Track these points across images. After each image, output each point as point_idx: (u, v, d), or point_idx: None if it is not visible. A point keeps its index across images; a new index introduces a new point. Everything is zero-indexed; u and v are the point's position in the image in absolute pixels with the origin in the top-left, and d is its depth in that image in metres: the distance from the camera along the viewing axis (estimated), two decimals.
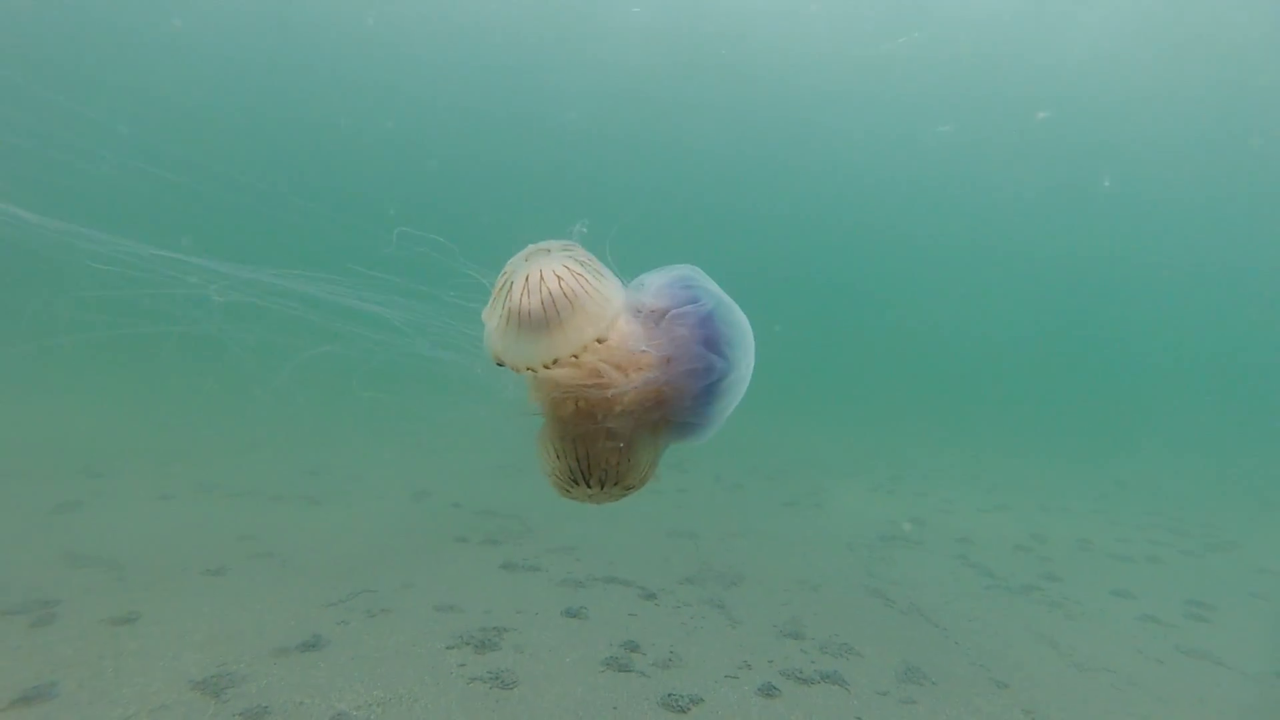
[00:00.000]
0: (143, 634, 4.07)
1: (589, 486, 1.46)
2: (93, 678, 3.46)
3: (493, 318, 1.34)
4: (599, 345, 1.34)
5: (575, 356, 1.31)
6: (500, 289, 1.33)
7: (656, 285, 1.53)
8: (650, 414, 1.43)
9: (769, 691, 4.05)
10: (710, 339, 1.43)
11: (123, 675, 3.52)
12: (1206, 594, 6.95)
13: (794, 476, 11.68)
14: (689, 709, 3.79)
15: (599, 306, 1.33)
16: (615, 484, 1.47)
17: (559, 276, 1.29)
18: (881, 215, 39.99)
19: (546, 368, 1.31)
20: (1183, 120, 24.95)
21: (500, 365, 1.37)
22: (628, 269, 1.53)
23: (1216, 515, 11.68)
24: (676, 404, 1.44)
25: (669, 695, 3.90)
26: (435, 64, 30.09)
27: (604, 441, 1.41)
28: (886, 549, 7.87)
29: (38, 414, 11.70)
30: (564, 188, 39.81)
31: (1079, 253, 38.47)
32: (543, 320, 1.26)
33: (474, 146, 37.19)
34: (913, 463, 14.87)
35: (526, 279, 1.28)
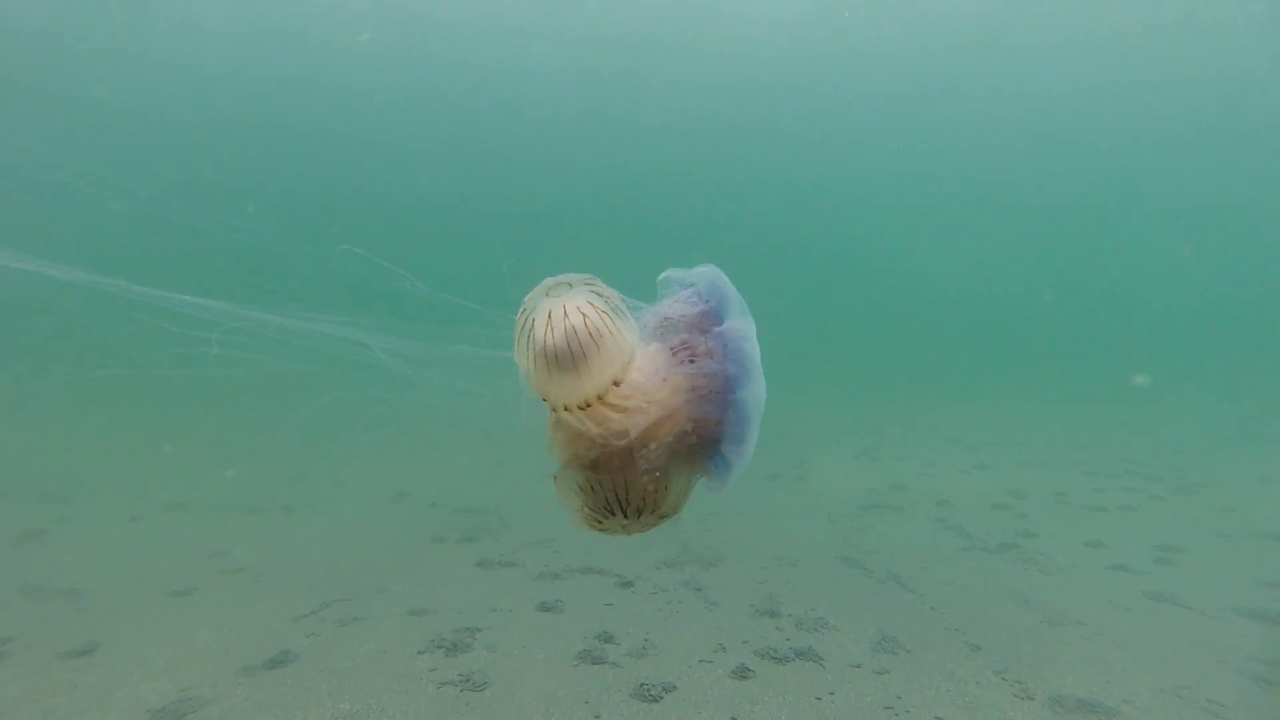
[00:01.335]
0: (101, 665, 3.98)
1: (625, 517, 1.42)
2: (42, 716, 3.37)
3: (523, 356, 1.31)
4: (628, 378, 1.33)
5: (605, 393, 1.29)
6: (523, 327, 1.31)
7: (683, 291, 1.52)
8: (684, 437, 1.38)
9: (743, 674, 4.06)
10: (739, 350, 1.38)
11: (76, 711, 3.44)
12: (1174, 538, 7.08)
13: (777, 448, 11.71)
14: (661, 698, 3.79)
15: (625, 340, 1.31)
16: (652, 512, 1.43)
17: (584, 314, 1.27)
18: (851, 177, 39.96)
19: (582, 407, 1.29)
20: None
21: (544, 401, 1.34)
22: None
23: (1186, 458, 11.92)
24: (709, 423, 1.40)
25: (641, 685, 3.89)
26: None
27: (640, 470, 1.37)
28: (867, 518, 7.93)
29: (5, 439, 11.45)
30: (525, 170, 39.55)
31: (1050, 201, 38.76)
32: (569, 358, 1.25)
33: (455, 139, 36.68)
34: (895, 427, 15.00)
35: (550, 315, 1.26)
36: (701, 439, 1.40)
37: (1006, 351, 37.09)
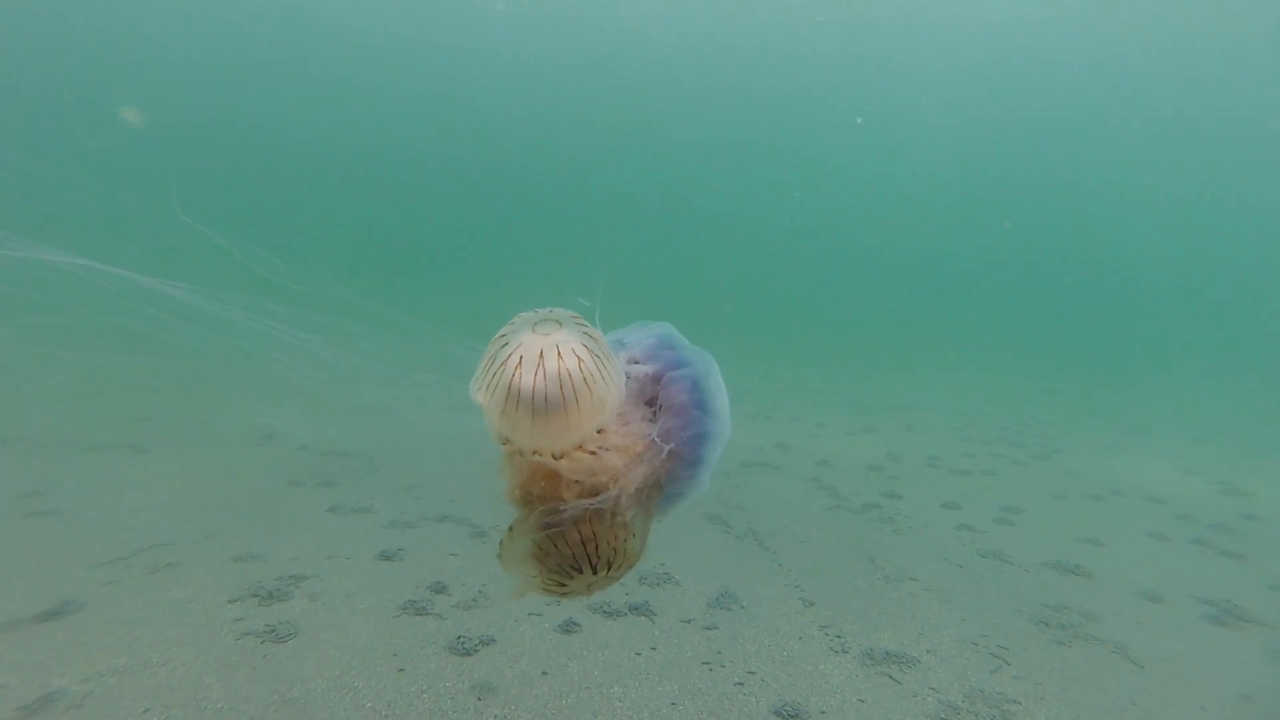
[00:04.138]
0: None
1: (594, 573, 1.29)
2: None
3: (490, 394, 1.14)
4: (609, 425, 1.22)
5: (588, 441, 1.18)
6: (497, 360, 1.13)
7: (643, 347, 1.45)
8: (652, 489, 1.35)
9: (569, 628, 4.01)
10: (704, 402, 1.36)
11: None
12: (1019, 500, 7.58)
13: None
14: (476, 650, 3.68)
15: (616, 386, 1.20)
16: (622, 565, 1.32)
17: (579, 358, 1.11)
18: (782, 139, 40.19)
19: (555, 456, 1.16)
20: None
21: (504, 444, 1.21)
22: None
23: (1054, 427, 12.85)
24: (674, 473, 1.37)
25: (459, 638, 3.77)
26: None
27: (609, 522, 1.27)
28: (745, 475, 8.08)
29: None
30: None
31: (975, 172, 40.33)
32: (559, 405, 1.10)
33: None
34: (796, 388, 15.40)
35: (542, 355, 1.09)
36: (663, 480, 1.38)
37: (931, 320, 38.76)
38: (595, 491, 1.23)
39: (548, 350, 1.10)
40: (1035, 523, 6.87)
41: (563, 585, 1.31)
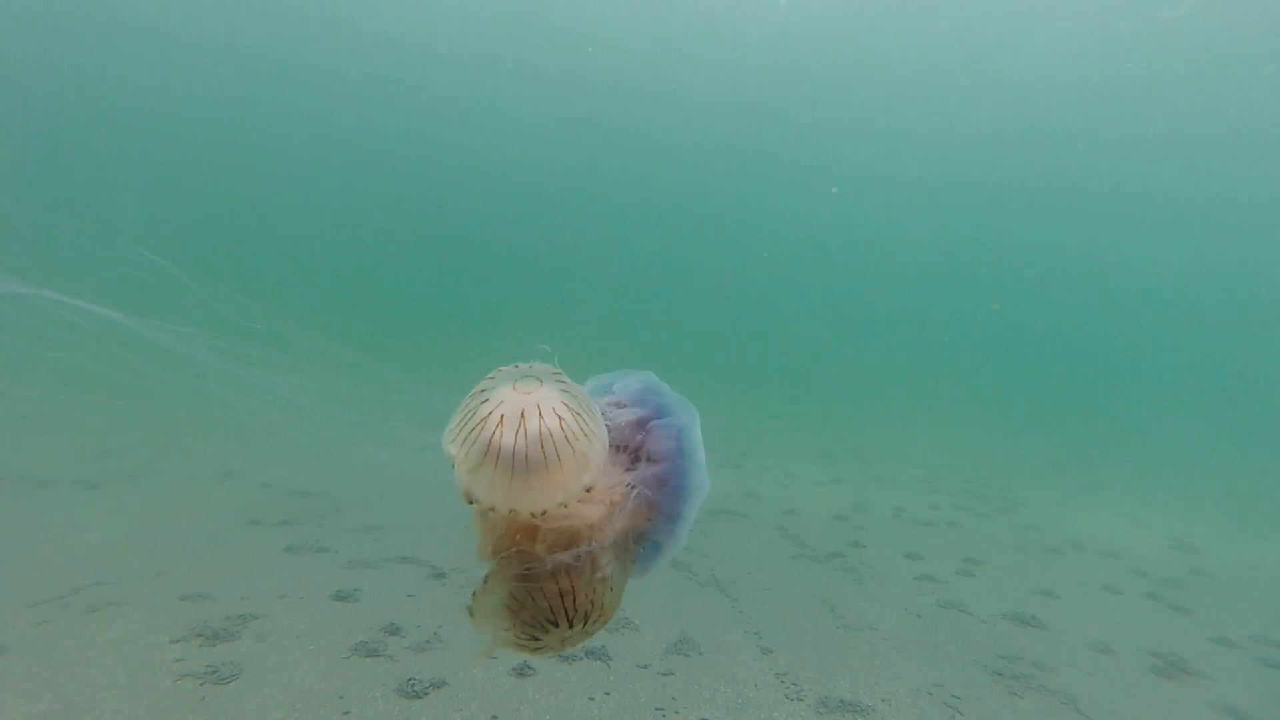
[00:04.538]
0: None
1: (570, 627, 1.24)
2: None
3: (466, 450, 1.09)
4: (592, 482, 1.18)
5: (565, 504, 1.13)
6: (476, 416, 1.09)
7: (628, 392, 1.44)
8: (630, 541, 1.32)
9: (523, 671, 3.95)
10: (687, 451, 1.35)
11: None
12: (981, 552, 7.69)
13: None
14: (426, 693, 3.61)
15: (596, 448, 1.16)
16: (599, 619, 1.27)
17: (560, 416, 1.08)
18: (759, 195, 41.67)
19: (534, 515, 1.12)
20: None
21: (471, 503, 1.14)
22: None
23: (1017, 480, 13.10)
24: (654, 526, 1.34)
25: (409, 680, 3.69)
26: None
27: (588, 575, 1.23)
28: (711, 523, 8.08)
29: None
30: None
31: (944, 230, 42.01)
32: (540, 465, 1.06)
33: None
34: (766, 438, 15.53)
35: (523, 414, 1.06)
36: (642, 532, 1.34)
37: (903, 374, 39.53)
38: (572, 543, 1.20)
39: (529, 409, 1.07)
40: (995, 574, 6.97)
41: (536, 640, 1.26)
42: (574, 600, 1.22)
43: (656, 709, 3.74)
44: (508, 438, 1.05)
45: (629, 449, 1.36)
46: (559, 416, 1.08)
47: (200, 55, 31.37)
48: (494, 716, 3.47)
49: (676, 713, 3.73)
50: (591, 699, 3.76)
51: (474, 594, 1.27)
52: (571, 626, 1.24)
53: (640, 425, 1.38)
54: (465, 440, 1.09)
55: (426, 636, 4.26)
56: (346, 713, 3.37)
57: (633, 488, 1.29)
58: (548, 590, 1.20)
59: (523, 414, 1.06)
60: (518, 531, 1.20)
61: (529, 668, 3.99)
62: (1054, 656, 4.97)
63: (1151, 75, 25.60)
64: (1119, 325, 46.21)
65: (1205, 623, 6.01)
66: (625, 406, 1.42)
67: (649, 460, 1.33)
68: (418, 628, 4.38)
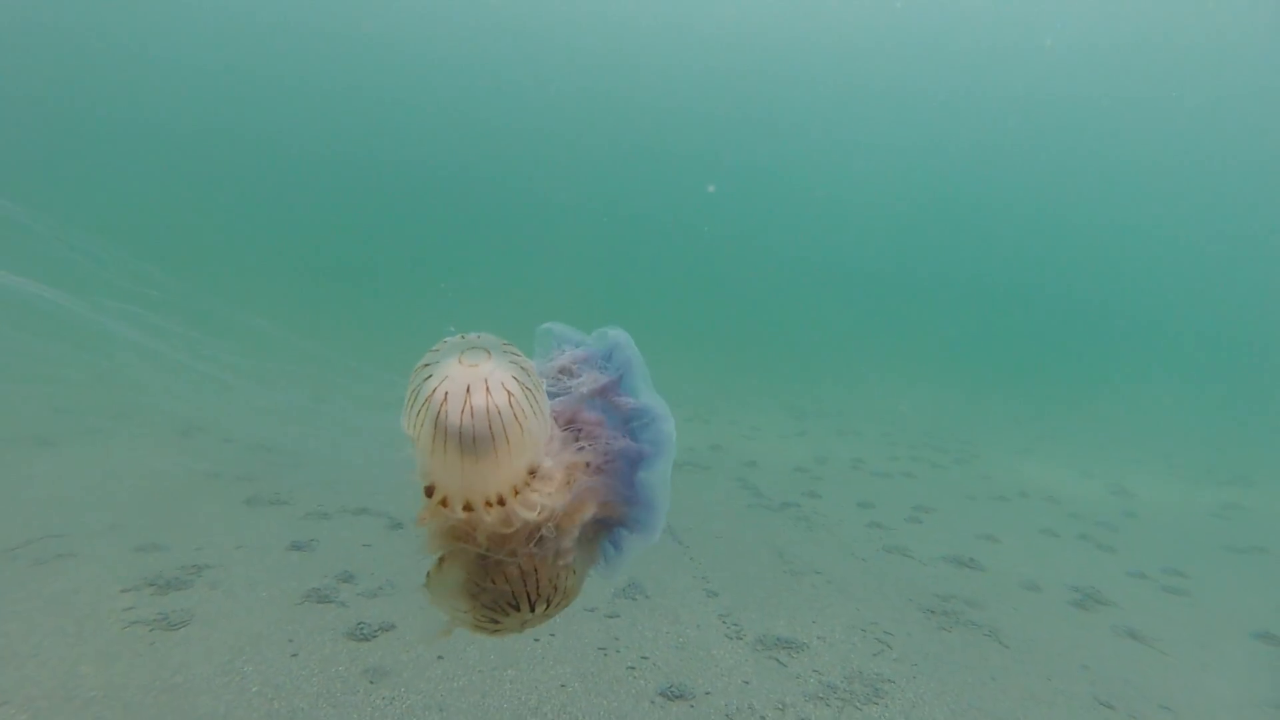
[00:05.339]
0: None
1: (531, 611, 1.20)
2: None
3: (417, 430, 1.03)
4: (542, 462, 1.13)
5: (521, 482, 1.09)
6: (421, 394, 1.03)
7: (577, 352, 1.35)
8: (596, 525, 1.25)
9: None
10: (655, 431, 1.28)
11: None
12: (932, 500, 8.01)
13: None
14: (375, 636, 3.73)
15: (546, 422, 1.11)
16: (560, 603, 1.24)
17: (510, 392, 1.01)
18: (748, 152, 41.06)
19: (489, 506, 1.06)
20: None
21: (430, 493, 1.08)
22: None
23: (976, 433, 13.54)
24: (618, 502, 1.27)
25: (359, 624, 3.81)
26: None
27: (551, 559, 1.18)
28: (675, 473, 8.25)
29: None
30: None
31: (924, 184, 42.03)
32: (488, 444, 1.00)
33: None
34: (736, 393, 15.76)
35: (468, 390, 1.00)
36: (608, 516, 1.29)
37: (871, 331, 40.01)
38: (527, 525, 1.14)
39: (475, 384, 1.01)
40: (942, 521, 7.27)
41: (495, 623, 1.23)
42: (536, 584, 1.19)
43: (599, 649, 3.91)
44: (453, 415, 1.00)
45: (592, 428, 1.29)
46: (508, 392, 1.02)
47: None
48: (440, 657, 3.61)
49: (618, 651, 3.90)
50: (536, 640, 3.92)
51: (429, 573, 1.22)
52: (533, 610, 1.21)
53: (602, 397, 1.32)
54: (416, 419, 1.04)
55: (379, 583, 4.37)
56: (295, 655, 3.48)
57: (590, 471, 1.23)
58: (509, 573, 1.16)
59: (468, 389, 1.01)
60: (472, 527, 1.13)
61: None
62: (985, 594, 5.26)
63: (1113, 38, 25.44)
64: (1082, 284, 47.04)
65: (1126, 559, 6.39)
66: (586, 369, 1.35)
67: (613, 444, 1.28)
68: (371, 575, 4.49)
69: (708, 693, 3.56)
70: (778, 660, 3.98)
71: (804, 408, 14.87)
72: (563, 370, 1.39)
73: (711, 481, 8.10)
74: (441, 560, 1.20)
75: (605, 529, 1.34)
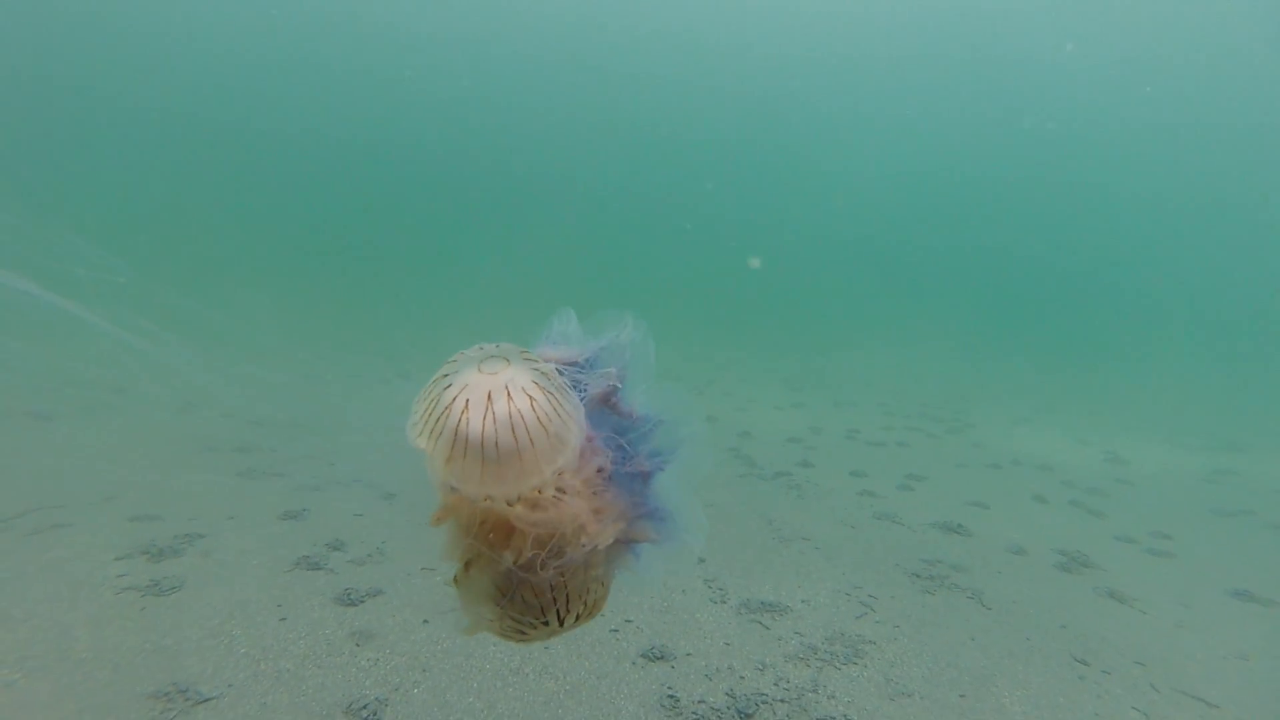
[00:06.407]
0: None
1: (560, 623, 1.20)
2: None
3: (434, 441, 1.02)
4: (568, 466, 1.10)
5: (547, 486, 1.06)
6: (440, 403, 1.02)
7: (591, 346, 1.30)
8: (620, 528, 1.21)
9: (459, 579, 4.15)
10: (662, 421, 1.25)
11: None
12: (924, 468, 8.05)
13: None
14: (363, 601, 3.80)
15: (571, 429, 1.08)
16: (590, 614, 1.24)
17: (531, 397, 1.01)
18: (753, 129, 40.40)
19: (509, 503, 1.05)
20: None
21: (451, 490, 1.07)
22: None
23: (971, 403, 13.55)
24: (636, 510, 1.23)
25: (347, 590, 3.88)
26: None
27: (582, 574, 1.18)
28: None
29: None
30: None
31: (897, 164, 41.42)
32: (513, 451, 0.99)
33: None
34: (732, 367, 15.76)
35: (489, 396, 0.99)
36: (630, 529, 1.25)
37: (871, 302, 39.83)
38: (553, 541, 1.12)
39: (496, 391, 1.01)
40: (933, 489, 7.32)
41: (523, 633, 1.23)
42: (565, 597, 1.19)
43: None
44: (475, 423, 0.99)
45: (613, 430, 1.27)
46: (530, 397, 1.02)
47: None
48: (425, 620, 3.68)
49: (603, 615, 3.96)
50: None
51: (456, 574, 1.23)
52: (562, 624, 1.21)
53: (605, 400, 1.29)
54: (433, 430, 1.03)
55: (369, 551, 4.44)
56: (283, 619, 3.55)
57: (604, 481, 1.20)
58: (539, 586, 1.16)
59: (489, 396, 1.01)
60: (494, 525, 1.13)
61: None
62: (971, 559, 5.31)
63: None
64: (1082, 253, 46.57)
65: (1114, 524, 6.43)
66: (592, 365, 1.32)
67: (638, 445, 1.25)
68: (361, 543, 4.55)
69: (689, 654, 3.63)
70: (760, 623, 4.05)
71: (800, 380, 14.87)
72: (581, 370, 1.33)
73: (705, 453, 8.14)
74: (468, 564, 1.21)
75: (630, 542, 1.32)
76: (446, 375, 1.07)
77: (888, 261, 46.93)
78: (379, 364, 12.31)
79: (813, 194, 49.03)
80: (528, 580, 1.16)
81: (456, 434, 0.99)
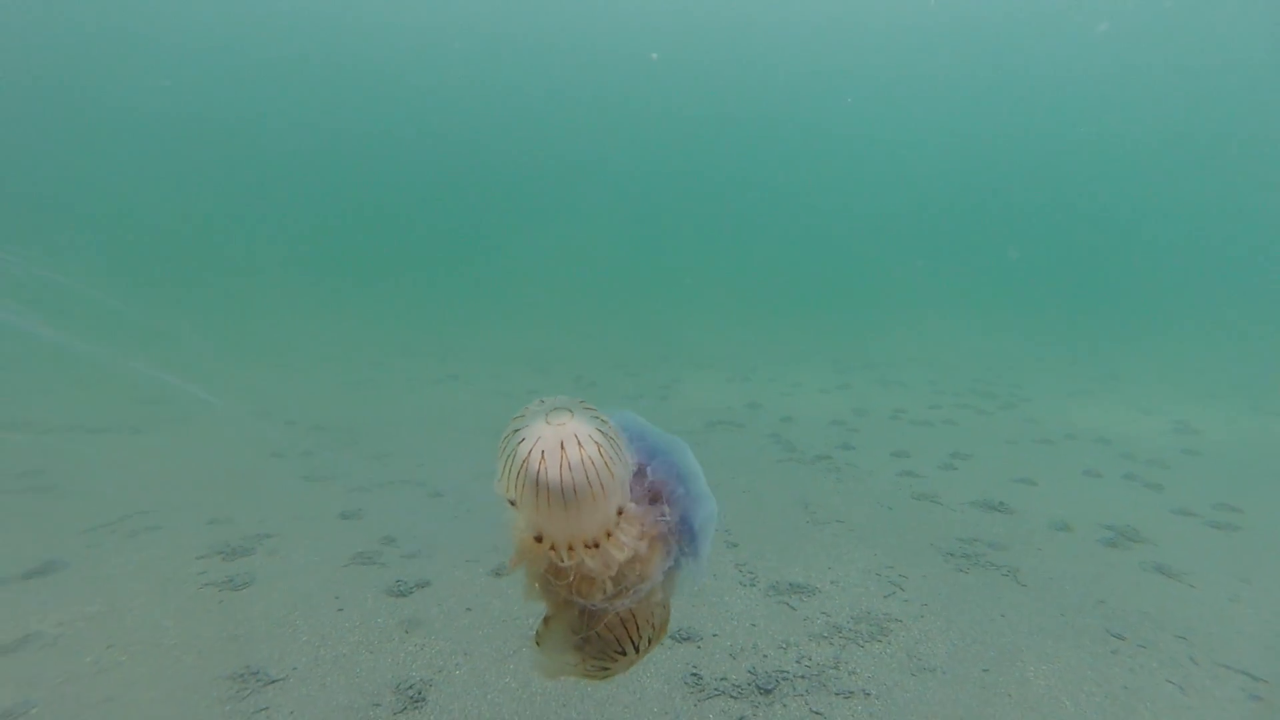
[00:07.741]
0: None
1: (637, 652, 1.34)
2: None
3: (520, 490, 1.16)
4: (625, 509, 1.25)
5: (613, 526, 1.21)
6: (518, 456, 1.16)
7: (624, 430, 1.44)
8: (674, 567, 1.40)
9: (500, 570, 4.43)
10: (688, 476, 1.41)
11: None
12: (970, 447, 7.86)
13: (653, 370, 12.10)
14: (411, 592, 4.11)
15: (625, 472, 1.23)
16: (659, 636, 1.40)
17: (597, 443, 1.16)
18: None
19: (586, 546, 1.20)
20: None
21: (539, 541, 1.22)
22: None
23: (1026, 377, 13.00)
24: (681, 547, 1.40)
25: (397, 582, 4.21)
26: None
27: (648, 604, 1.34)
28: (708, 433, 8.43)
29: None
30: None
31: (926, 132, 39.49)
32: (587, 492, 1.14)
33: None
34: (777, 350, 15.62)
35: (562, 445, 1.13)
36: (676, 557, 1.41)
37: (923, 279, 38.46)
38: (623, 573, 1.24)
39: (567, 440, 1.12)
40: (978, 467, 7.16)
41: (605, 669, 1.33)
42: (636, 626, 1.30)
43: None
44: (553, 471, 1.10)
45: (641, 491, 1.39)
46: (595, 443, 1.14)
47: None
48: (468, 609, 3.96)
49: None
50: None
51: (537, 631, 1.34)
52: (638, 651, 1.33)
53: (640, 470, 1.39)
54: (515, 481, 1.13)
55: (419, 546, 4.77)
56: (340, 609, 3.90)
57: (663, 519, 1.32)
58: (610, 624, 1.28)
59: (562, 445, 1.11)
60: (572, 575, 1.23)
61: (505, 567, 4.47)
62: (1011, 537, 5.22)
63: None
64: (1141, 214, 43.41)
65: (1173, 496, 6.14)
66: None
67: (662, 497, 1.36)
68: (412, 539, 4.90)
69: (715, 635, 3.77)
70: (788, 604, 4.14)
71: (847, 361, 14.63)
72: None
73: (745, 439, 8.21)
74: (547, 619, 1.35)
75: (675, 561, 1.43)
76: (518, 430, 1.17)
77: (940, 236, 45.11)
78: (431, 365, 12.90)
79: (861, 169, 47.58)
80: (601, 618, 1.28)
81: (537, 482, 1.11)
